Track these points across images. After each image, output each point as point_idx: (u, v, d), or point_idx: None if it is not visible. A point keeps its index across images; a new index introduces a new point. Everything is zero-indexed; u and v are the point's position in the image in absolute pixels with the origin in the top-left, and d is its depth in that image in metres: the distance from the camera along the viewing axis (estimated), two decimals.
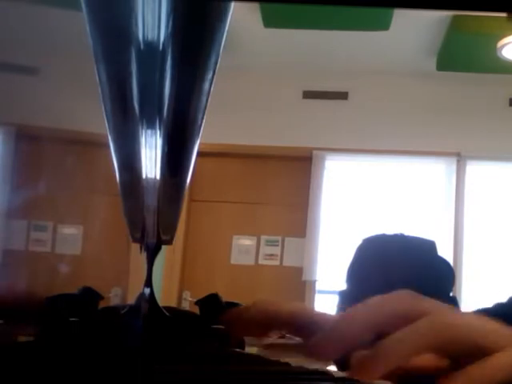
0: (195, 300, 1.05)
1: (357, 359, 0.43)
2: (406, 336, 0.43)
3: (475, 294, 4.64)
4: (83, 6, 0.40)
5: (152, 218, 0.78)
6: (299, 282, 4.81)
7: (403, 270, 2.01)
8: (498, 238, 4.73)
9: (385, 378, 0.44)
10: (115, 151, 0.63)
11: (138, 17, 0.40)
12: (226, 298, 1.05)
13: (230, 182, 5.04)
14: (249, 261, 4.98)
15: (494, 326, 0.45)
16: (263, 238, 4.99)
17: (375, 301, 0.46)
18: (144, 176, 0.68)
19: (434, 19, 4.07)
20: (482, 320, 0.45)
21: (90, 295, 0.86)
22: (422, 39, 4.42)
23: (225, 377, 0.55)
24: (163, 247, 0.90)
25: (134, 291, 0.90)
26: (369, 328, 0.44)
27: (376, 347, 0.43)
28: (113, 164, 0.66)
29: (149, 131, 0.57)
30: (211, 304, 1.00)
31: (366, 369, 0.42)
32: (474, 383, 0.41)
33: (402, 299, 0.46)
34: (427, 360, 0.46)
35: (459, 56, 4.41)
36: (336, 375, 0.48)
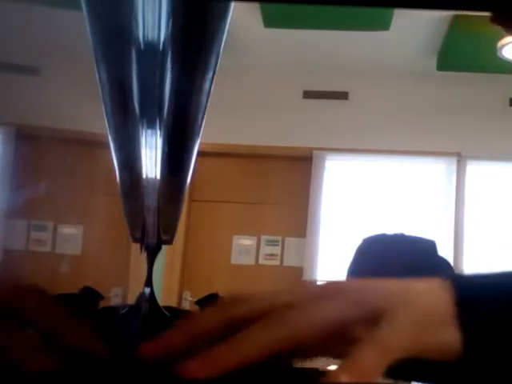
0: (195, 300, 1.05)
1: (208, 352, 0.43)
2: (262, 330, 0.43)
3: None
4: (84, 6, 0.40)
5: (152, 217, 0.78)
6: (299, 282, 4.81)
7: (403, 269, 2.01)
8: (498, 238, 4.73)
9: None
10: (115, 151, 0.63)
11: (138, 17, 0.40)
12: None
13: (230, 181, 5.04)
14: (249, 261, 4.98)
15: (360, 294, 0.45)
16: (263, 237, 4.99)
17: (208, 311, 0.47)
18: (144, 176, 0.68)
19: (434, 19, 4.07)
20: (346, 290, 0.45)
21: (90, 295, 0.86)
22: (422, 39, 4.42)
23: (225, 377, 0.55)
24: (163, 247, 0.90)
25: (134, 291, 0.90)
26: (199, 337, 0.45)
27: (226, 342, 0.42)
28: (113, 164, 0.66)
29: (149, 131, 0.57)
30: (211, 304, 1.00)
31: (215, 363, 0.42)
32: (367, 369, 0.40)
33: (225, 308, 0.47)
34: None
35: (459, 56, 4.40)
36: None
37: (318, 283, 0.47)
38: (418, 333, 0.42)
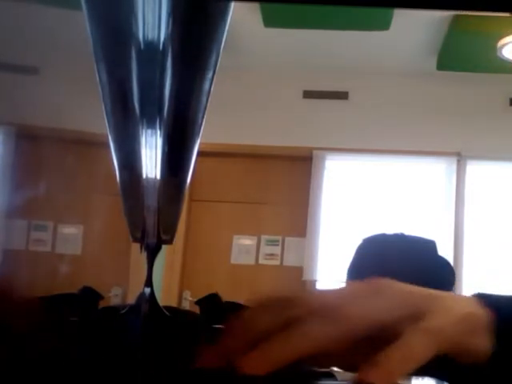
0: (195, 300, 1.05)
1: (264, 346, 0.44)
2: (318, 325, 0.44)
3: None
4: (83, 6, 0.40)
5: (152, 217, 0.78)
6: (299, 282, 4.81)
7: (403, 269, 2.01)
8: (498, 238, 4.73)
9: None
10: (115, 151, 0.63)
11: (138, 17, 0.40)
12: (226, 297, 1.05)
13: (230, 181, 5.04)
14: (249, 260, 4.98)
15: (395, 297, 0.46)
16: (263, 237, 4.99)
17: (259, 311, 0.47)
18: (144, 176, 0.68)
19: (434, 19, 4.07)
20: (382, 292, 0.46)
21: (90, 295, 0.86)
22: (422, 39, 4.42)
23: (225, 377, 0.55)
24: (163, 247, 0.90)
25: (134, 291, 0.91)
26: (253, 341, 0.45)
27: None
28: (113, 164, 0.66)
29: (149, 131, 0.57)
30: (211, 304, 1.00)
31: (272, 357, 0.43)
32: (391, 371, 0.41)
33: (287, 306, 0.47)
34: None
35: (459, 56, 4.40)
36: (339, 376, 0.48)
37: (356, 283, 0.48)
38: (458, 332, 0.44)
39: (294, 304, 0.46)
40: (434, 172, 4.96)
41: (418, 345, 0.43)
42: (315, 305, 0.45)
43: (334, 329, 0.44)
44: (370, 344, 0.44)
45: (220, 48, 0.45)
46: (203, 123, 0.57)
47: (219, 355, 0.46)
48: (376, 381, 0.41)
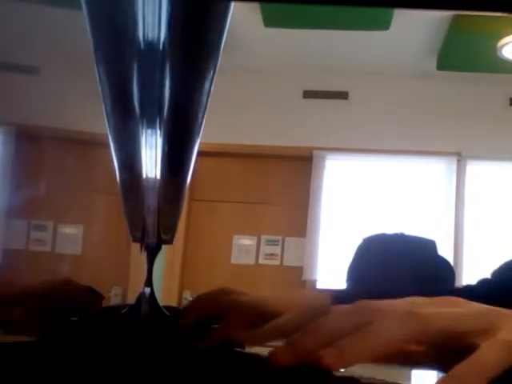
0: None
1: (340, 343, 0.45)
2: (388, 326, 0.45)
3: None
4: (83, 6, 0.40)
5: (152, 217, 0.78)
6: (299, 282, 4.81)
7: (403, 269, 2.01)
8: (498, 238, 4.73)
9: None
10: (115, 151, 0.63)
11: (138, 17, 0.40)
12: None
13: (230, 181, 5.04)
14: (249, 260, 4.98)
15: (465, 309, 0.47)
16: (263, 237, 4.99)
17: (336, 316, 0.48)
18: (144, 176, 0.68)
19: (434, 19, 4.07)
20: (448, 302, 0.47)
21: (90, 295, 0.86)
22: (422, 39, 4.42)
23: (225, 377, 0.55)
24: (163, 247, 0.90)
25: (134, 291, 0.90)
26: (327, 346, 0.46)
27: (358, 335, 0.44)
28: (113, 164, 0.66)
29: (149, 131, 0.57)
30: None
31: (348, 353, 0.44)
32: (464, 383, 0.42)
33: (361, 310, 0.48)
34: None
35: (459, 56, 4.40)
36: (339, 376, 0.48)
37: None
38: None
39: (366, 310, 0.47)
40: (434, 172, 4.96)
41: (494, 356, 0.43)
42: (388, 309, 0.47)
43: (407, 330, 0.45)
44: (442, 352, 0.45)
45: (220, 48, 0.45)
46: (203, 123, 0.57)
47: (294, 353, 0.47)
48: None
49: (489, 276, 1.13)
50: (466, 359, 0.43)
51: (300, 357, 0.46)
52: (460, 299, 0.49)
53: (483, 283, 1.13)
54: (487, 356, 0.43)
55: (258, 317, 0.83)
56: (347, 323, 0.47)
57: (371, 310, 0.47)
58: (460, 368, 0.43)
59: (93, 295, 0.87)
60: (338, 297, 0.92)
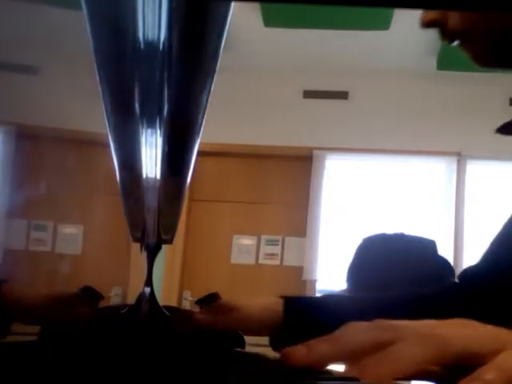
0: (195, 300, 1.05)
1: (363, 361, 0.45)
2: (408, 349, 0.46)
3: None
4: (83, 5, 0.40)
5: (152, 217, 0.78)
6: (299, 282, 4.81)
7: (403, 269, 2.01)
8: None
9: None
10: (115, 151, 0.63)
11: (138, 17, 0.40)
12: (226, 297, 1.05)
13: (230, 181, 5.04)
14: (249, 260, 4.98)
15: (479, 331, 0.48)
16: (263, 237, 4.99)
17: (356, 329, 0.48)
18: (144, 175, 0.68)
19: None
20: (462, 324, 0.48)
21: (90, 295, 0.86)
22: (422, 39, 4.42)
23: (225, 377, 0.55)
24: (163, 247, 0.90)
25: (134, 291, 0.90)
26: (348, 354, 0.47)
27: (381, 355, 0.45)
28: (113, 164, 0.66)
29: (149, 130, 0.57)
30: (211, 303, 1.00)
31: (369, 373, 0.45)
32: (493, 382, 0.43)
33: (380, 327, 0.49)
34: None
35: (459, 56, 4.39)
36: (339, 375, 0.48)
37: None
38: None
39: (385, 328, 0.48)
40: (434, 172, 4.96)
41: (496, 377, 0.44)
42: (407, 330, 0.47)
43: (427, 352, 0.46)
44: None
45: (220, 48, 0.45)
46: (203, 123, 0.57)
47: (310, 356, 0.47)
48: None
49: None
50: (487, 364, 0.44)
51: (314, 360, 0.47)
52: (473, 321, 0.49)
53: (461, 276, 1.14)
54: (507, 362, 0.44)
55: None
56: (366, 338, 0.47)
57: (391, 328, 0.48)
58: (482, 372, 0.43)
59: (91, 295, 0.87)
60: (289, 299, 1.09)
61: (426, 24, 0.86)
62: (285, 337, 1.05)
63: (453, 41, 0.90)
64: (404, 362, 0.45)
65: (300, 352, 0.47)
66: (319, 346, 0.47)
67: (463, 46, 0.91)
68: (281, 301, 1.09)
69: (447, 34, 0.89)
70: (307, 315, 1.06)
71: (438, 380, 0.52)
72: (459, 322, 0.49)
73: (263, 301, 1.10)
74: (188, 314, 1.03)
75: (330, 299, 1.17)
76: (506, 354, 0.44)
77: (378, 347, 0.46)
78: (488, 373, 0.43)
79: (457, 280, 1.14)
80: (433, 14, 0.85)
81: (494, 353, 0.45)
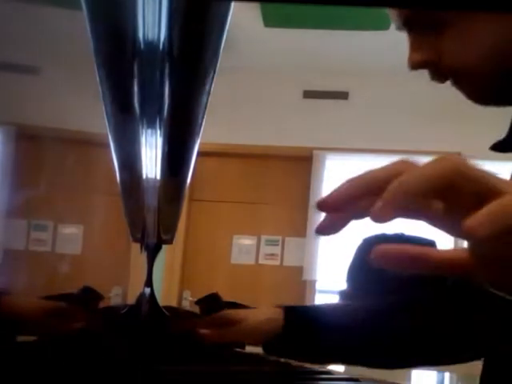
0: (195, 300, 1.05)
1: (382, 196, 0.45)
2: (422, 168, 0.45)
3: None
4: (83, 6, 0.40)
5: (152, 217, 0.78)
6: (299, 282, 4.81)
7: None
8: None
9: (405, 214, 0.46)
10: (115, 151, 0.63)
11: (139, 17, 0.40)
12: (226, 297, 1.05)
13: (230, 181, 5.04)
14: (249, 260, 4.98)
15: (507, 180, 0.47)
16: (263, 237, 4.99)
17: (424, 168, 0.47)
18: (144, 176, 0.68)
19: None
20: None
21: (90, 295, 0.86)
22: None
23: (225, 377, 0.55)
24: (163, 247, 0.90)
25: (134, 291, 0.90)
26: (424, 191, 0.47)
27: (394, 183, 0.45)
28: (113, 164, 0.66)
29: (149, 131, 0.57)
30: (211, 304, 1.00)
31: (385, 204, 0.45)
32: (495, 219, 0.42)
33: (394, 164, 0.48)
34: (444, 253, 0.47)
35: None
36: (338, 375, 0.48)
37: None
38: None
39: (402, 163, 0.47)
40: None
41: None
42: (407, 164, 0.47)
43: (444, 168, 0.45)
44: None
45: (220, 48, 0.45)
46: (203, 123, 0.57)
47: (339, 200, 0.47)
48: (479, 228, 0.43)
49: None
50: (492, 203, 0.43)
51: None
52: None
53: None
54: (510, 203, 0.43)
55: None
56: (386, 176, 0.46)
57: (409, 163, 0.47)
58: (490, 207, 0.42)
59: (91, 296, 0.86)
60: (290, 309, 1.11)
61: (416, 66, 0.85)
62: (283, 345, 1.07)
63: (444, 80, 0.88)
64: (419, 176, 0.44)
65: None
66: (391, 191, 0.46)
67: (456, 85, 0.89)
68: (280, 310, 1.11)
69: (439, 74, 0.87)
70: (307, 325, 1.08)
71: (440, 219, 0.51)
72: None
73: (263, 311, 1.11)
74: (190, 324, 1.04)
75: (328, 309, 1.19)
76: (509, 195, 0.43)
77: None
78: (490, 208, 0.42)
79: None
80: (422, 55, 0.84)
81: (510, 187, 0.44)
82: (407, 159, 0.48)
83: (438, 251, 0.48)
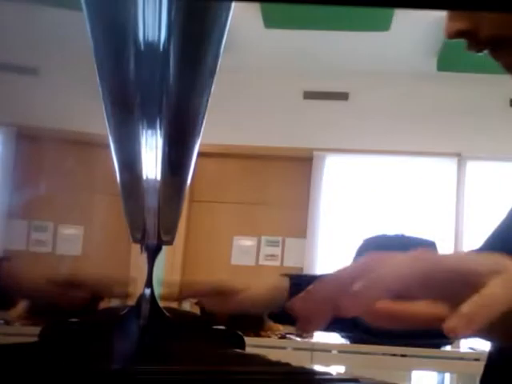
0: (196, 300, 1.05)
1: (353, 290, 0.45)
2: (393, 268, 0.45)
3: None
4: (84, 6, 0.40)
5: (152, 218, 0.78)
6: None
7: None
8: None
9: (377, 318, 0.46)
10: (116, 151, 0.63)
11: (139, 17, 0.40)
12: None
13: (230, 182, 5.04)
14: (249, 261, 4.98)
15: (477, 255, 0.47)
16: (264, 238, 4.99)
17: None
18: (144, 176, 0.68)
19: (434, 19, 4.07)
20: (463, 252, 0.48)
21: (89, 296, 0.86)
22: (422, 39, 4.42)
23: (224, 377, 0.55)
24: (164, 248, 0.90)
25: (134, 292, 0.90)
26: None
27: (365, 279, 0.44)
28: (113, 164, 0.66)
29: (149, 131, 0.57)
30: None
31: (353, 302, 0.44)
32: (473, 318, 0.42)
33: (367, 261, 0.48)
34: (424, 308, 0.47)
35: (459, 56, 4.40)
36: (337, 375, 0.48)
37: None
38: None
39: (374, 259, 0.47)
40: (434, 172, 4.96)
41: (503, 292, 0.43)
42: (396, 256, 0.47)
43: (416, 269, 0.45)
44: (455, 294, 0.44)
45: (220, 48, 0.45)
46: (203, 124, 0.57)
47: (308, 303, 0.48)
48: (459, 330, 0.42)
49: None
50: (474, 296, 0.43)
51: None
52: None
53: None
54: (496, 292, 0.43)
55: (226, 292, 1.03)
56: (357, 273, 0.46)
57: (379, 258, 0.47)
58: (468, 305, 0.42)
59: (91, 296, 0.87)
60: (295, 277, 1.08)
61: (453, 35, 0.82)
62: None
63: (482, 50, 0.86)
64: (392, 279, 0.44)
65: (349, 300, 0.46)
66: (366, 291, 0.46)
67: (495, 54, 0.87)
68: (284, 278, 1.08)
69: (476, 44, 0.84)
70: None
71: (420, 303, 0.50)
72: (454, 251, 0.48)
73: (266, 281, 1.10)
74: (189, 294, 1.03)
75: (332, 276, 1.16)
76: (493, 284, 0.43)
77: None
78: (468, 307, 0.42)
79: None
80: (460, 25, 0.81)
81: (488, 271, 0.44)
82: (374, 255, 0.47)
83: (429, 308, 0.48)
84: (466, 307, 0.42)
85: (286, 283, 1.07)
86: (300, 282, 1.08)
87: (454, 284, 0.45)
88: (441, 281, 0.45)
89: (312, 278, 1.12)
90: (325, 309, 0.47)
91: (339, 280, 0.47)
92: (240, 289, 1.03)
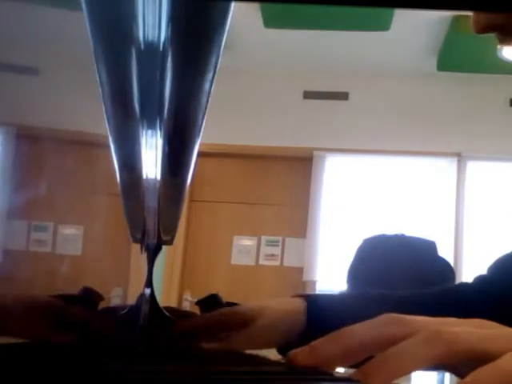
0: (196, 300, 1.05)
1: (365, 367, 0.44)
2: (414, 346, 0.44)
3: None
4: (84, 6, 0.40)
5: (152, 218, 0.77)
6: (300, 283, 4.81)
7: (403, 270, 2.01)
8: (498, 238, 4.73)
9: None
10: (115, 151, 0.63)
11: (139, 17, 0.40)
12: (226, 298, 1.05)
13: (230, 182, 5.04)
14: (249, 261, 4.98)
15: (496, 330, 0.46)
16: (264, 238, 4.99)
17: (361, 325, 0.47)
18: (144, 176, 0.68)
19: (434, 19, 4.07)
20: (480, 324, 0.47)
21: (89, 296, 0.86)
22: (422, 39, 4.42)
23: (224, 377, 0.55)
24: (164, 247, 0.90)
25: (134, 291, 0.90)
26: (355, 351, 0.46)
27: (384, 355, 0.44)
28: (113, 164, 0.66)
29: (149, 131, 0.57)
30: (211, 304, 1.00)
31: (373, 375, 0.43)
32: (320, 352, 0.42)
33: (388, 322, 0.47)
34: None
35: (459, 56, 4.40)
36: (337, 376, 0.48)
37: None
38: None
39: (392, 323, 0.46)
40: (434, 172, 4.96)
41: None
42: (418, 325, 0.46)
43: (434, 350, 0.44)
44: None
45: (220, 48, 0.45)
46: (203, 124, 0.57)
47: (313, 356, 0.46)
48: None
49: (485, 272, 1.13)
50: (486, 365, 0.42)
51: (319, 361, 0.46)
52: (491, 322, 0.47)
53: (480, 280, 1.12)
54: (509, 364, 0.42)
55: (232, 324, 0.89)
56: (373, 334, 0.46)
57: (401, 323, 0.46)
58: (479, 373, 0.42)
59: (91, 296, 0.86)
60: (313, 301, 0.93)
61: (482, 30, 0.79)
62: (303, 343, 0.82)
63: None
64: (408, 360, 0.44)
65: (304, 354, 0.46)
66: (323, 346, 0.46)
67: None
68: (299, 301, 0.92)
69: (507, 38, 0.82)
70: (334, 317, 0.82)
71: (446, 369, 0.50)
72: (477, 321, 0.48)
73: (279, 305, 0.91)
74: (190, 325, 0.89)
75: (352, 298, 1.04)
76: (508, 356, 0.43)
77: (387, 343, 0.44)
78: (481, 375, 0.42)
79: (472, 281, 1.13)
80: (489, 18, 0.79)
81: (506, 352, 0.44)
82: (396, 319, 0.46)
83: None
84: (474, 377, 0.42)
85: (301, 306, 0.91)
86: (318, 305, 0.93)
87: (469, 362, 0.45)
88: (457, 361, 0.45)
89: (330, 303, 0.96)
90: (331, 366, 0.47)
91: (349, 341, 0.46)
92: (248, 319, 0.87)
